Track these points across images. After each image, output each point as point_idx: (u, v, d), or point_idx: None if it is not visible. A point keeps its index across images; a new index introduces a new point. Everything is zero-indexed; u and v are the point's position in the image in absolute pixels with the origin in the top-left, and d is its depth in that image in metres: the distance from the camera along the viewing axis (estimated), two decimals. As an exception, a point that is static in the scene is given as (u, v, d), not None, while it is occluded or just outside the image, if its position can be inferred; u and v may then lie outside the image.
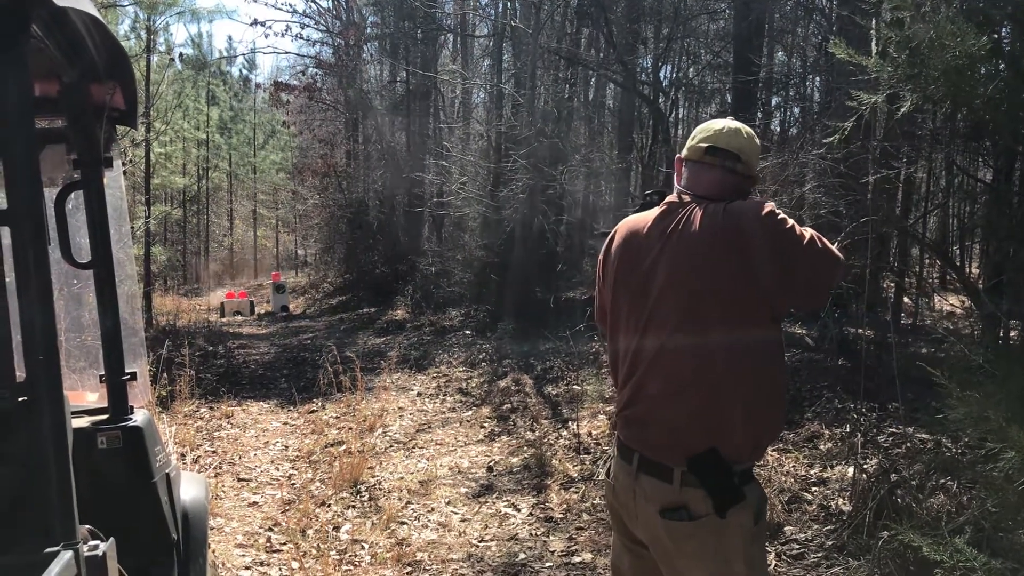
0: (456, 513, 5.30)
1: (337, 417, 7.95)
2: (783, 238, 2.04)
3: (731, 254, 2.06)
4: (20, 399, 1.84)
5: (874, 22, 4.44)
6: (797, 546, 4.21)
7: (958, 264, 7.47)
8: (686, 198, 2.22)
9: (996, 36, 3.17)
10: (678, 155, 2.34)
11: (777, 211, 2.07)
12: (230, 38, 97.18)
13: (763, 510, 2.16)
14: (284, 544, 4.75)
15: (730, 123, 2.27)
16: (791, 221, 2.07)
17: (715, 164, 2.22)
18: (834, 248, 2.13)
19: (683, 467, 2.06)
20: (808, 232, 2.08)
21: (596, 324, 2.61)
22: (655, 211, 2.28)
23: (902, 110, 3.24)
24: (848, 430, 5.47)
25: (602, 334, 2.56)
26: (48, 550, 1.43)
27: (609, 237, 2.41)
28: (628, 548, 2.34)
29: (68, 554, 1.43)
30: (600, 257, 2.45)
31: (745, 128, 2.27)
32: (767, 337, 2.15)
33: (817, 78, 11.51)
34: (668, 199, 2.28)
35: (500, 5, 15.91)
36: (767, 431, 2.23)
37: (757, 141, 2.29)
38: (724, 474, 2.05)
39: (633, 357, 2.23)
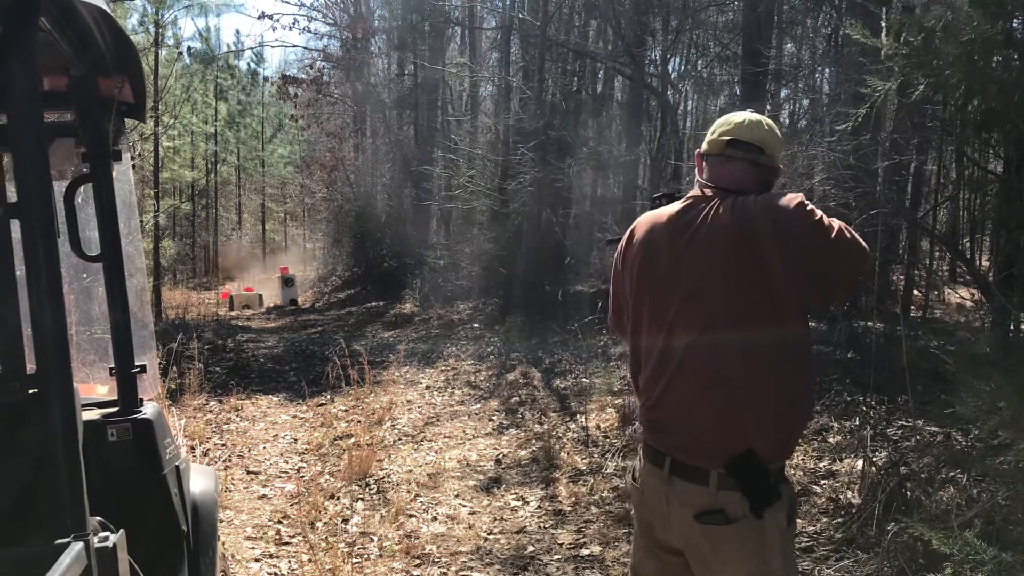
0: (465, 506, 5.30)
1: (346, 410, 7.97)
2: (814, 230, 2.00)
3: (762, 248, 2.00)
4: (31, 391, 1.84)
5: (884, 11, 4.41)
6: (806, 539, 4.20)
7: (968, 256, 7.44)
8: (709, 192, 2.16)
9: (1010, 24, 3.14)
10: (698, 150, 2.28)
11: (807, 203, 2.03)
12: (238, 32, 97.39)
13: (795, 508, 2.14)
14: (293, 536, 4.76)
15: (751, 115, 2.23)
16: (820, 212, 2.03)
17: (737, 157, 2.17)
18: (861, 240, 2.08)
19: (719, 469, 2.02)
20: (836, 223, 2.04)
21: (611, 327, 2.54)
22: (676, 205, 2.21)
23: (915, 95, 3.22)
24: (857, 423, 5.46)
25: (618, 337, 2.49)
26: (59, 541, 1.44)
27: (628, 234, 2.34)
28: (653, 553, 2.28)
29: (79, 545, 1.43)
30: (618, 255, 2.37)
31: (766, 120, 2.23)
32: (797, 332, 2.10)
33: (827, 70, 11.45)
34: (691, 193, 2.21)
35: (508, -2, 15.88)
36: (797, 427, 2.20)
37: (779, 132, 2.25)
38: (761, 475, 2.02)
39: (660, 357, 2.16)
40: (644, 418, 2.27)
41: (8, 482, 1.84)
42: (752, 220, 2.02)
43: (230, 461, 6.34)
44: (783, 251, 1.99)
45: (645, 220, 2.29)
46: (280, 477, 6.01)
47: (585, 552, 4.43)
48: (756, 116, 2.23)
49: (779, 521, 2.03)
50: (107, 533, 1.59)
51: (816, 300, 2.23)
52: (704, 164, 2.25)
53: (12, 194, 2.15)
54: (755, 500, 2.00)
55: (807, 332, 2.18)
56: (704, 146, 2.26)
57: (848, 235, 2.03)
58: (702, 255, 2.08)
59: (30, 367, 2.00)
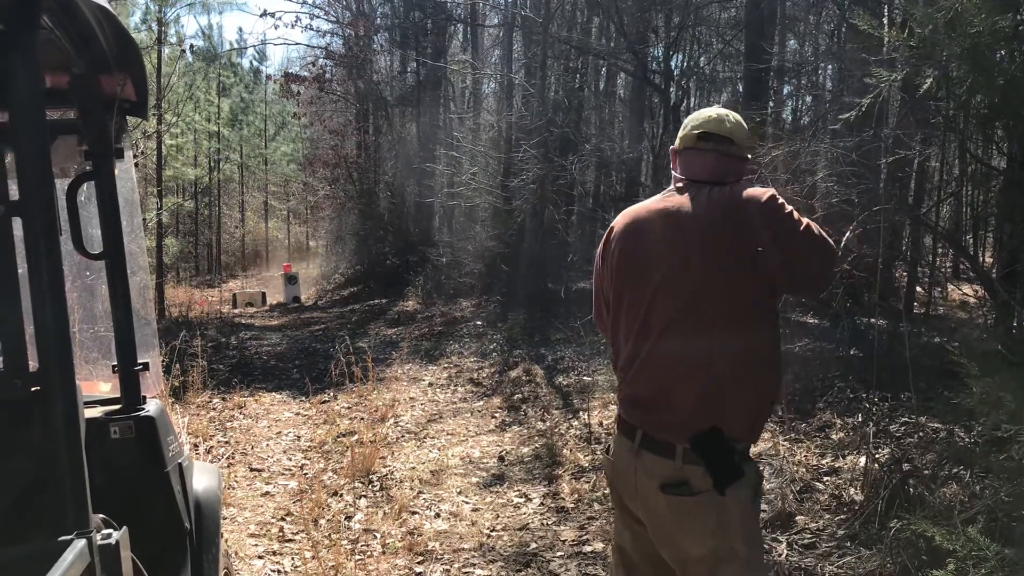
0: (467, 503, 5.31)
1: (349, 407, 7.98)
2: (783, 225, 2.11)
3: (733, 237, 2.13)
4: (33, 389, 1.85)
5: (887, 6, 4.40)
6: (809, 535, 4.20)
7: (971, 253, 7.43)
8: (684, 184, 2.30)
9: (1019, 17, 3.13)
10: (672, 147, 2.43)
11: (779, 198, 2.14)
12: (240, 29, 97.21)
13: (760, 489, 2.24)
14: (297, 534, 4.77)
15: (718, 110, 2.38)
16: (790, 208, 2.14)
17: (708, 149, 2.30)
18: (829, 239, 2.20)
19: (686, 444, 2.13)
20: (806, 220, 2.15)
21: (595, 319, 2.69)
22: (655, 198, 2.36)
23: (923, 87, 3.21)
24: (860, 420, 5.45)
25: (601, 333, 2.60)
26: (62, 539, 1.44)
27: (608, 230, 2.47)
28: (628, 526, 2.39)
29: (81, 543, 1.44)
30: (599, 252, 2.51)
31: (732, 114, 2.37)
32: (767, 319, 2.23)
33: (829, 66, 11.43)
34: (670, 187, 2.35)
35: (510, -5, 15.86)
36: (765, 411, 2.30)
37: (745, 125, 2.37)
38: (725, 452, 2.12)
39: (636, 339, 2.28)
40: (620, 394, 2.40)
41: (11, 479, 1.84)
42: (726, 208, 2.15)
43: (233, 458, 6.35)
44: (754, 241, 2.11)
45: (624, 215, 2.43)
46: (283, 474, 6.01)
47: (588, 549, 4.44)
48: (723, 111, 2.39)
49: (742, 499, 2.13)
50: (110, 530, 1.59)
51: (786, 290, 2.36)
52: (678, 159, 2.40)
53: (14, 192, 2.15)
54: (718, 476, 2.10)
55: (776, 321, 2.31)
56: (677, 142, 2.41)
57: (817, 231, 2.14)
58: (678, 243, 2.21)
59: (32, 364, 2.01)
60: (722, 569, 2.12)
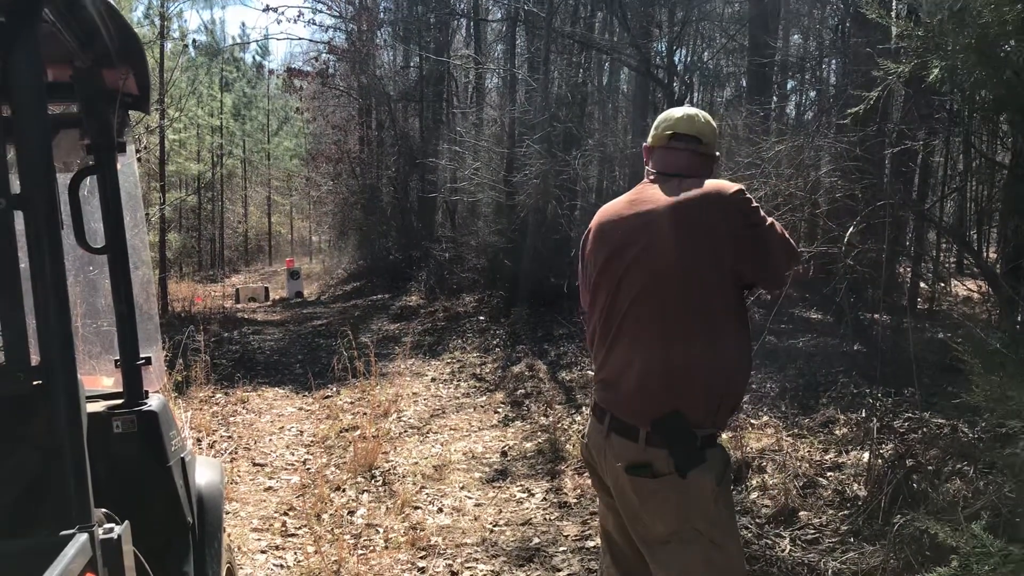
0: (470, 498, 5.31)
1: (352, 402, 7.98)
2: (748, 218, 2.20)
3: (701, 223, 2.20)
4: (35, 383, 1.84)
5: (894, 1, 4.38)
6: (812, 531, 4.20)
7: (976, 248, 7.40)
8: (655, 177, 2.41)
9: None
10: (644, 144, 2.53)
11: (746, 192, 2.23)
12: (243, 24, 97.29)
13: (726, 473, 2.26)
14: (299, 528, 4.78)
15: (688, 110, 2.49)
16: (756, 203, 2.24)
17: (680, 148, 2.41)
18: (791, 240, 2.33)
19: (647, 428, 2.19)
20: (770, 218, 2.27)
21: (580, 301, 2.74)
22: (628, 193, 2.46)
23: (929, 79, 3.19)
24: (864, 415, 5.45)
25: (582, 303, 2.67)
26: (63, 532, 1.44)
27: (590, 224, 2.55)
28: (611, 507, 2.44)
29: (83, 537, 1.44)
30: (582, 244, 2.60)
31: (702, 113, 2.48)
32: (731, 306, 2.28)
33: (833, 61, 11.40)
34: (643, 181, 2.45)
35: (513, -11, 15.81)
36: (729, 399, 2.32)
37: (713, 123, 2.47)
38: (686, 436, 2.17)
39: (606, 320, 2.37)
40: (595, 378, 2.50)
41: (13, 473, 1.84)
42: (695, 196, 2.22)
43: (236, 453, 6.35)
44: (719, 231, 2.19)
45: (602, 209, 2.54)
46: (286, 469, 6.02)
47: (590, 544, 4.44)
48: (693, 110, 2.50)
49: (705, 484, 2.17)
50: (112, 524, 1.59)
51: (752, 280, 2.38)
52: (650, 156, 2.50)
53: (16, 186, 2.15)
54: (680, 460, 2.15)
55: (743, 310, 2.35)
56: (649, 140, 2.51)
57: (779, 231, 2.27)
58: (646, 229, 2.27)
59: (34, 359, 2.00)
60: (686, 549, 2.17)
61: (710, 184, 2.24)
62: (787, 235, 2.30)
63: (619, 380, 2.30)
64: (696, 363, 2.19)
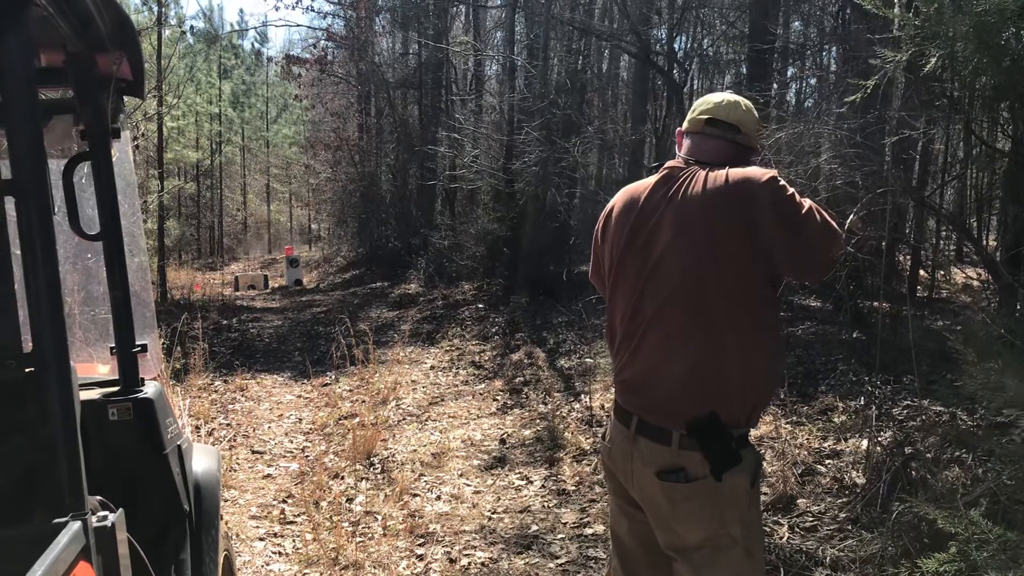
0: (469, 485, 5.32)
1: (350, 390, 7.98)
2: (785, 205, 2.05)
3: (733, 217, 2.06)
4: (28, 370, 1.83)
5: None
6: (811, 518, 4.20)
7: (975, 235, 7.39)
8: (685, 164, 2.24)
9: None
10: (679, 128, 2.38)
11: (780, 179, 2.09)
12: (241, 11, 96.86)
13: (758, 474, 2.18)
14: (298, 516, 4.78)
15: (729, 96, 2.32)
16: (792, 189, 2.08)
17: (715, 135, 2.26)
18: (833, 222, 2.15)
19: (682, 430, 2.08)
20: (808, 202, 2.10)
21: (591, 280, 2.62)
22: (655, 176, 2.29)
23: (927, 67, 3.17)
24: (863, 403, 5.44)
25: (595, 286, 2.58)
26: (57, 520, 1.43)
27: (609, 206, 2.42)
28: (625, 512, 2.36)
29: (77, 524, 1.43)
30: (599, 226, 2.46)
31: (744, 100, 2.31)
32: (765, 303, 2.16)
33: (834, 48, 11.35)
34: (669, 164, 2.28)
35: (513, -25, 15.73)
36: (763, 397, 2.25)
37: (755, 113, 2.32)
38: (722, 438, 2.08)
39: (631, 320, 2.23)
40: (616, 379, 2.35)
41: (6, 461, 1.83)
42: (727, 190, 2.08)
43: (235, 441, 6.36)
44: (754, 222, 2.04)
45: (625, 191, 2.38)
46: (285, 457, 6.02)
47: (589, 531, 4.44)
48: (734, 97, 2.32)
49: (739, 485, 2.08)
50: (106, 512, 1.59)
51: (786, 271, 2.23)
52: (684, 140, 2.35)
53: (7, 171, 2.13)
54: (715, 462, 2.06)
55: (776, 306, 2.25)
56: (684, 124, 2.36)
57: (819, 216, 2.09)
58: (677, 221, 2.14)
59: (27, 346, 1.99)
60: (720, 556, 2.08)
61: (739, 173, 2.09)
62: (828, 217, 2.12)
63: (649, 382, 2.19)
64: (732, 363, 2.09)
